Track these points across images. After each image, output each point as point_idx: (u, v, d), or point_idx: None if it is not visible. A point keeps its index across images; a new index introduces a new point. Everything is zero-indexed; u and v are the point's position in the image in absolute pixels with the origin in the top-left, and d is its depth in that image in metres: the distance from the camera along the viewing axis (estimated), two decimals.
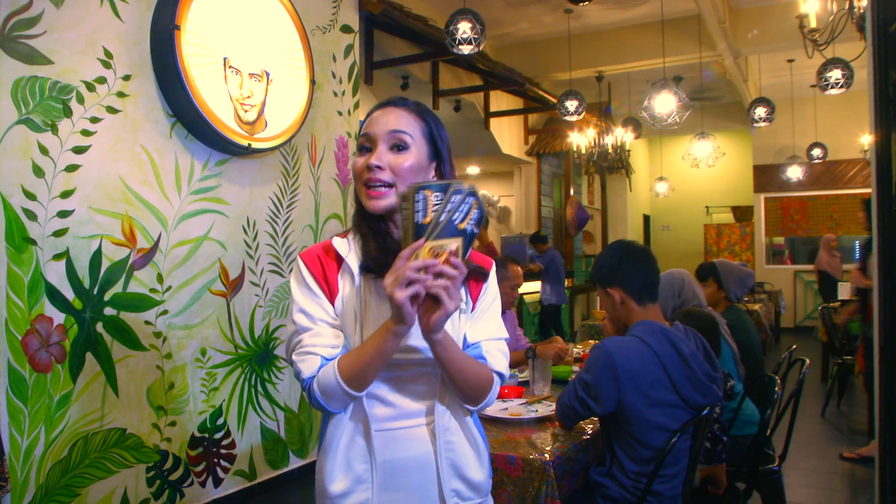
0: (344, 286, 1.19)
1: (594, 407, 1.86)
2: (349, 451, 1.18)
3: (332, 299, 1.19)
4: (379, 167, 1.16)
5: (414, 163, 1.18)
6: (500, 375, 1.24)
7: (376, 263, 1.17)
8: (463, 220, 1.04)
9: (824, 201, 10.07)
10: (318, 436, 1.27)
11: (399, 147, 1.18)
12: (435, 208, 1.02)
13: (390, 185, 1.17)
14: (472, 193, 1.05)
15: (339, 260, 1.20)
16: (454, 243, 1.04)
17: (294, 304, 1.20)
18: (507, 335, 1.29)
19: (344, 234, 1.25)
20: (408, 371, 1.19)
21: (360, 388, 1.13)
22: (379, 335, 1.09)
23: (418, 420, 1.20)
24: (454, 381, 1.17)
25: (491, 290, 1.27)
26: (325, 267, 1.20)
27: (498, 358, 1.24)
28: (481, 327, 1.24)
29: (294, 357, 1.17)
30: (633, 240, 2.22)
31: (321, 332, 1.17)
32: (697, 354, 1.89)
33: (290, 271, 3.64)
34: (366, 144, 1.20)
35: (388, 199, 1.17)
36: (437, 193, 1.02)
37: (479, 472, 1.25)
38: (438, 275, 1.02)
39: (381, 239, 1.19)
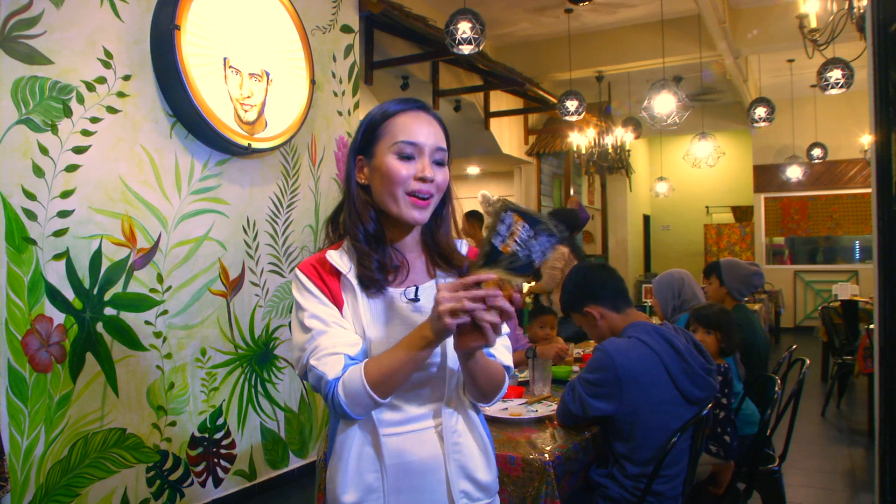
0: (347, 300, 1.18)
1: (596, 407, 1.86)
2: (360, 461, 1.17)
3: (339, 309, 1.17)
4: (432, 180, 1.15)
5: (446, 177, 1.19)
6: (508, 369, 1.25)
7: (373, 282, 1.17)
8: (539, 261, 1.01)
9: (824, 201, 10.06)
10: (327, 441, 1.26)
11: (440, 162, 1.18)
12: (518, 239, 0.98)
13: (432, 195, 1.17)
14: (558, 239, 1.02)
15: (337, 273, 1.18)
16: (521, 280, 0.99)
17: (304, 313, 1.15)
18: (508, 329, 1.29)
19: (336, 246, 1.22)
20: (415, 376, 1.18)
21: (386, 394, 1.10)
22: (413, 343, 1.07)
23: (426, 423, 1.20)
24: (477, 385, 1.17)
25: None
26: (326, 280, 1.18)
27: (503, 353, 1.25)
28: None
29: (313, 362, 1.11)
30: (585, 262, 2.33)
31: (339, 333, 1.14)
32: (690, 348, 1.91)
33: (291, 271, 3.64)
34: (411, 152, 1.16)
35: (430, 210, 1.18)
36: (526, 225, 0.98)
37: (487, 472, 1.24)
38: (494, 307, 0.98)
39: (378, 254, 1.18)
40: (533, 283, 4.97)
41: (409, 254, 1.23)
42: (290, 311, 3.63)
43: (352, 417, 1.13)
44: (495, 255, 0.99)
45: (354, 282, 1.17)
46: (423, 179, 1.14)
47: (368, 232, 1.19)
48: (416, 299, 1.19)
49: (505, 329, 1.27)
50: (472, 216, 6.95)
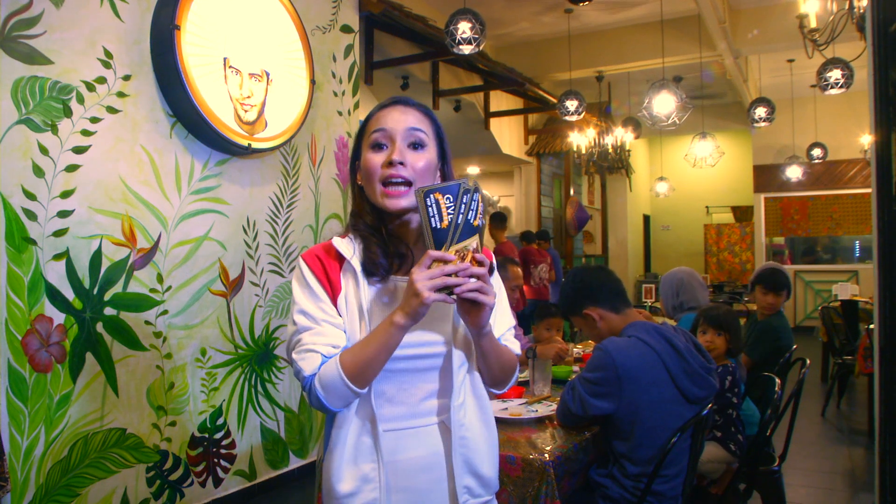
0: (347, 285, 1.19)
1: (596, 406, 1.86)
2: (356, 450, 1.17)
3: (334, 297, 1.18)
4: (402, 163, 1.16)
5: (429, 162, 1.19)
6: (517, 356, 1.30)
7: (379, 268, 1.17)
8: (475, 217, 1.07)
9: (824, 201, 10.07)
10: (324, 437, 1.26)
11: (416, 145, 1.19)
12: (449, 211, 1.05)
13: (409, 184, 1.17)
14: (477, 189, 1.08)
15: (341, 259, 1.20)
16: (473, 242, 1.07)
17: (295, 305, 1.19)
18: (514, 322, 1.33)
19: (343, 235, 1.24)
20: (417, 367, 1.19)
21: (364, 383, 1.11)
22: (383, 329, 1.09)
23: (429, 419, 1.20)
24: (492, 369, 1.22)
25: (496, 282, 1.29)
26: (327, 266, 1.19)
27: (514, 343, 1.30)
28: (498, 320, 1.26)
29: (294, 356, 1.16)
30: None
31: (323, 332, 1.16)
32: (690, 348, 1.91)
33: (291, 271, 3.64)
34: (382, 141, 1.19)
35: (408, 199, 1.17)
36: (448, 196, 1.05)
37: (491, 467, 1.25)
38: (470, 276, 1.05)
39: (382, 243, 1.19)
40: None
41: (414, 245, 1.24)
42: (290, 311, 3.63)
43: (330, 410, 1.14)
44: (440, 234, 1.05)
45: (358, 268, 1.18)
46: (390, 164, 1.16)
47: (367, 224, 1.21)
48: None
49: (513, 321, 1.32)
50: (495, 219, 6.97)
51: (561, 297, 2.17)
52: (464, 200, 1.05)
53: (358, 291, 1.17)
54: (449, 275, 1.03)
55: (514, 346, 1.29)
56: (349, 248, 1.20)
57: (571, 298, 2.08)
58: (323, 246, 1.23)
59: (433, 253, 1.04)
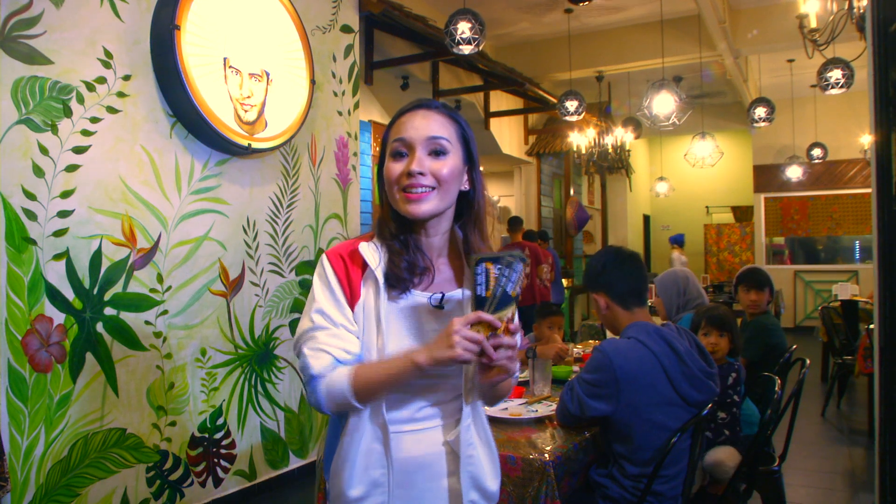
0: (367, 294, 1.18)
1: (594, 407, 1.86)
2: (367, 457, 1.19)
3: (352, 303, 1.18)
4: (421, 174, 1.14)
5: (453, 168, 1.17)
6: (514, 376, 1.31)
7: (401, 281, 1.17)
8: (514, 288, 1.10)
9: (824, 201, 10.06)
10: (326, 438, 1.27)
11: (437, 152, 1.17)
12: (495, 280, 1.09)
13: (432, 188, 1.16)
14: (523, 260, 1.10)
15: (364, 266, 1.19)
16: (510, 311, 1.10)
17: (314, 303, 1.18)
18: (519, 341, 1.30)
19: (369, 237, 1.23)
20: (430, 380, 1.19)
21: (366, 402, 1.15)
22: (403, 365, 1.10)
23: (431, 423, 1.22)
24: (487, 400, 1.29)
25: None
26: (350, 271, 1.19)
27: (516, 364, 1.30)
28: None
29: (305, 349, 1.16)
30: (621, 246, 2.20)
31: (339, 335, 1.16)
32: (692, 351, 1.90)
33: (290, 271, 3.65)
34: (402, 150, 1.17)
35: (430, 203, 1.16)
36: (498, 265, 1.09)
37: (494, 481, 1.27)
38: (500, 346, 1.08)
39: (408, 254, 1.18)
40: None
41: (438, 258, 1.23)
42: (290, 311, 3.64)
43: (323, 412, 1.18)
44: (480, 302, 1.09)
45: (381, 278, 1.17)
46: (409, 174, 1.15)
47: (392, 232, 1.20)
48: (440, 307, 1.20)
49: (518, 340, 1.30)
50: (513, 223, 6.96)
51: (586, 268, 2.13)
52: (506, 274, 1.09)
53: (377, 302, 1.17)
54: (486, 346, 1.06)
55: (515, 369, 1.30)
56: (374, 257, 1.19)
57: (591, 277, 2.03)
58: (348, 249, 1.21)
59: (485, 315, 1.06)
